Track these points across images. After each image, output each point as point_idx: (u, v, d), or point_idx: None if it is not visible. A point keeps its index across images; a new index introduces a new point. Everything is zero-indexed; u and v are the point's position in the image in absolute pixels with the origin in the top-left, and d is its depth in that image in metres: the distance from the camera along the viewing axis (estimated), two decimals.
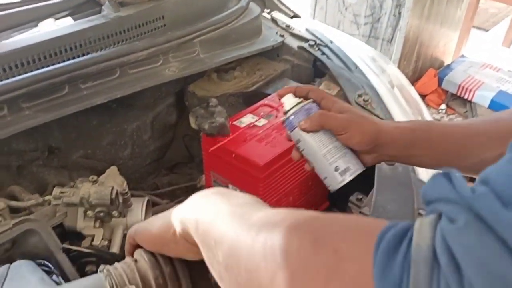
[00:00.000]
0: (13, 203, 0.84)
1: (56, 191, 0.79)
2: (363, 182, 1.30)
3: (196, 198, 0.54)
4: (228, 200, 0.50)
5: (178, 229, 0.54)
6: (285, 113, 0.81)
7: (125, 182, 0.89)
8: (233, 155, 1.02)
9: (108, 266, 0.62)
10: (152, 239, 0.60)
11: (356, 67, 1.38)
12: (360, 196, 1.14)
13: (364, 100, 1.22)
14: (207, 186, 1.16)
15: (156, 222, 0.60)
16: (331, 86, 1.33)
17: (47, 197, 0.81)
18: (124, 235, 0.90)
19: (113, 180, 0.86)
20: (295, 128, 0.79)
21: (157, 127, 1.45)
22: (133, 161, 1.44)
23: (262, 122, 1.11)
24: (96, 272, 0.86)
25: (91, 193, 0.79)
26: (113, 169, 0.90)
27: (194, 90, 1.35)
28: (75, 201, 0.79)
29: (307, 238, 0.37)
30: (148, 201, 0.94)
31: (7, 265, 0.69)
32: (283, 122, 0.81)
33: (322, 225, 0.38)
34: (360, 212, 1.04)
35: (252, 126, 1.10)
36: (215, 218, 0.47)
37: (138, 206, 0.91)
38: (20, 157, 1.08)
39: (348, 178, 0.77)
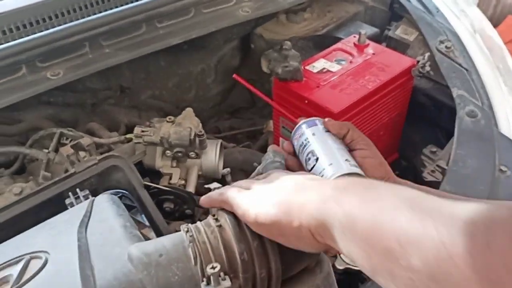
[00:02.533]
0: (97, 140, 0.89)
1: (137, 130, 0.83)
2: (435, 135, 1.28)
3: (335, 190, 0.46)
4: (392, 191, 0.42)
5: (308, 224, 0.47)
6: None
7: (200, 124, 0.92)
8: (306, 101, 1.01)
9: (190, 226, 0.59)
10: (264, 225, 0.52)
11: (438, 10, 1.30)
12: (434, 149, 1.11)
13: (446, 47, 1.16)
14: (275, 132, 1.17)
15: (267, 206, 0.52)
16: (408, 31, 1.27)
17: (128, 135, 0.85)
18: (199, 176, 0.94)
19: (189, 122, 0.89)
20: (314, 126, 0.80)
21: (220, 70, 1.46)
22: (197, 104, 1.46)
23: (335, 67, 1.09)
24: (173, 212, 0.92)
25: (171, 133, 0.82)
26: (189, 111, 0.93)
27: (261, 32, 1.33)
28: (155, 140, 0.82)
29: None
30: (221, 144, 0.97)
31: (91, 199, 0.72)
32: (299, 124, 0.82)
33: None
34: (436, 166, 1.02)
35: (325, 71, 1.08)
36: (392, 214, 0.39)
37: (212, 148, 0.94)
38: (94, 95, 1.13)
39: (355, 170, 0.74)
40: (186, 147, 0.84)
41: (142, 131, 0.83)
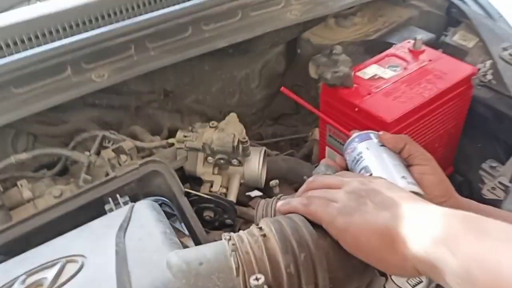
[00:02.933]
0: (139, 144, 0.87)
1: (180, 135, 0.81)
2: (493, 149, 1.19)
3: (445, 231, 0.46)
4: (505, 235, 0.43)
5: (414, 261, 0.48)
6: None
7: (244, 131, 0.89)
8: (356, 109, 0.96)
9: (232, 235, 0.57)
10: (362, 252, 0.53)
11: (500, 15, 1.21)
12: (494, 164, 1.03)
13: (510, 54, 1.08)
14: (321, 140, 1.12)
15: (367, 233, 0.52)
16: (467, 37, 1.20)
17: (170, 140, 0.83)
18: (240, 184, 0.91)
19: (233, 127, 0.86)
20: (369, 139, 0.76)
21: (265, 75, 1.43)
22: (240, 109, 1.43)
23: (388, 74, 1.03)
24: (213, 221, 0.88)
25: (214, 139, 0.80)
26: (233, 116, 0.90)
27: (309, 37, 1.29)
28: (197, 146, 0.79)
29: None
30: (265, 151, 0.93)
31: (131, 205, 0.70)
32: (352, 138, 0.79)
33: None
34: (498, 183, 0.94)
35: (377, 78, 1.03)
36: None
37: (256, 156, 0.91)
38: (139, 98, 1.12)
39: (412, 188, 0.69)
40: (228, 154, 0.81)
41: (185, 136, 0.81)
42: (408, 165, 0.72)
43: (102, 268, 0.59)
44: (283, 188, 1.15)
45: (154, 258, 0.59)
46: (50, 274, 0.60)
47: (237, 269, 0.53)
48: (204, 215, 0.86)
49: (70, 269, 0.60)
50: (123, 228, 0.68)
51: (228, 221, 0.89)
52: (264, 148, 0.93)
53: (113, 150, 0.77)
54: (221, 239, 0.58)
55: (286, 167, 1.11)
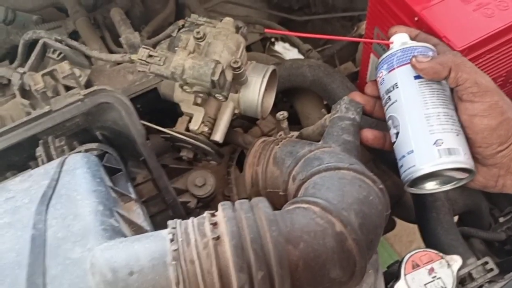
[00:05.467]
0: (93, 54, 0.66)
1: (143, 52, 0.58)
2: None
3: None
4: None
5: None
6: None
7: (242, 45, 0.63)
8: (416, 19, 0.66)
9: (178, 231, 0.46)
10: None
11: None
12: None
13: None
14: (366, 44, 0.84)
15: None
16: None
17: (132, 56, 0.60)
18: (234, 115, 0.70)
19: (221, 46, 0.61)
20: (397, 67, 0.62)
21: None
22: None
23: None
24: (193, 161, 0.73)
25: (186, 68, 0.57)
26: (228, 23, 0.64)
27: None
28: (165, 73, 0.58)
29: None
30: (274, 70, 0.69)
31: (61, 159, 0.57)
32: (379, 62, 0.67)
33: None
34: None
35: None
36: None
37: (258, 78, 0.67)
38: None
39: (449, 163, 0.57)
40: (208, 89, 0.58)
41: (149, 56, 0.58)
42: (457, 98, 0.59)
43: (11, 259, 0.49)
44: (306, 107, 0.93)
45: (76, 253, 0.49)
46: None
47: (177, 284, 0.44)
48: (181, 154, 0.68)
49: None
50: (46, 198, 0.57)
51: (213, 163, 0.71)
52: (271, 67, 0.69)
53: (44, 75, 0.57)
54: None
55: (311, 77, 0.86)
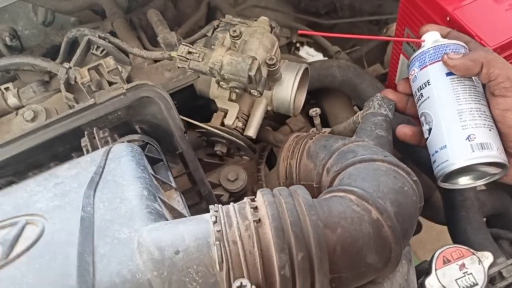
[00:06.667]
0: (134, 51, 0.70)
1: (183, 49, 0.61)
2: None
3: None
4: None
5: None
6: None
7: (276, 44, 0.67)
8: (448, 19, 0.69)
9: (220, 213, 0.49)
10: None
11: None
12: None
13: None
14: (395, 44, 0.87)
15: None
16: None
17: (172, 53, 0.64)
18: (267, 112, 0.73)
19: (257, 44, 0.64)
20: (429, 65, 0.65)
21: None
22: None
23: None
24: (227, 156, 0.77)
25: (224, 64, 0.60)
26: (263, 22, 0.68)
27: None
28: (203, 69, 0.62)
29: None
30: (306, 69, 0.72)
31: (107, 148, 0.60)
32: (411, 59, 0.69)
33: None
34: None
35: None
36: None
37: (291, 76, 0.70)
38: None
39: (482, 158, 0.58)
40: (244, 84, 0.62)
41: (189, 53, 0.62)
42: (490, 94, 0.60)
43: (62, 238, 0.52)
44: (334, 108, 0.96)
45: (124, 233, 0.51)
46: (7, 237, 0.53)
47: (220, 263, 0.46)
48: (215, 149, 0.71)
49: (29, 234, 0.54)
50: (94, 183, 0.60)
51: (246, 158, 0.74)
52: (304, 65, 0.72)
53: (90, 70, 0.61)
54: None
55: (341, 77, 0.89)
